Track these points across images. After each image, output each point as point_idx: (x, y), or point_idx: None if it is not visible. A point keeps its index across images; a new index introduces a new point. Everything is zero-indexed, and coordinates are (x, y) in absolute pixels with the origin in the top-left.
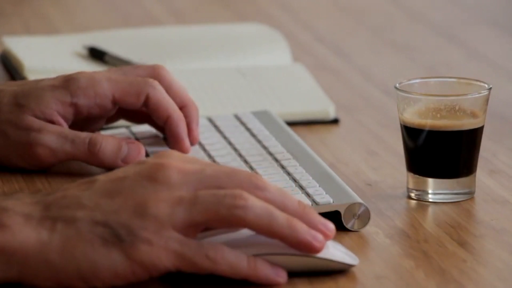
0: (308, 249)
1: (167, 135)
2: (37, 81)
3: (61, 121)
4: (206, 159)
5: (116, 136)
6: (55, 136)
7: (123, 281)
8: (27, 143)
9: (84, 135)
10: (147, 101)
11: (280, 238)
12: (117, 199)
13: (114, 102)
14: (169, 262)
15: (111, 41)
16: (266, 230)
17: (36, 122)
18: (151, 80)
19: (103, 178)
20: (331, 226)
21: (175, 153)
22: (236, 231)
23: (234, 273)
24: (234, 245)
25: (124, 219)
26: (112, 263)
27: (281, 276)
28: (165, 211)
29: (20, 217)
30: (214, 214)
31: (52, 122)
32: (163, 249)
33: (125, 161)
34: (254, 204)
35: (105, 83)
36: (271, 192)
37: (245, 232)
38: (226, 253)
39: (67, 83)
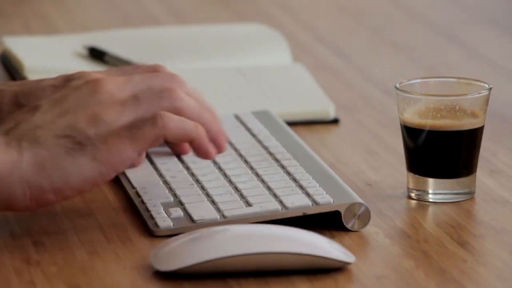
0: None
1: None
2: (37, 81)
3: None
4: None
5: None
6: None
7: (92, 184)
8: None
9: None
10: None
11: (203, 126)
12: (68, 115)
13: None
14: (128, 150)
15: (111, 41)
16: (196, 119)
17: None
18: None
19: (44, 102)
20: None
21: (94, 72)
22: (236, 226)
23: (182, 135)
24: (238, 240)
25: (81, 129)
26: (79, 168)
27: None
28: (114, 114)
29: None
30: (157, 109)
31: None
32: (118, 143)
33: None
34: (186, 96)
35: None
36: (189, 88)
37: (247, 229)
38: (172, 118)
39: (67, 84)
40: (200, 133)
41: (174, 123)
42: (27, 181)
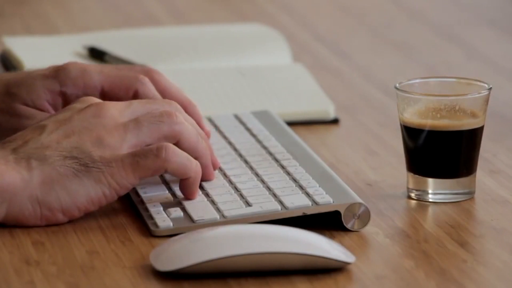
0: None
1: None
2: (30, 71)
3: (51, 109)
4: None
5: None
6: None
7: (96, 205)
8: (18, 129)
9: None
10: (135, 97)
11: (198, 155)
12: (73, 137)
13: (103, 94)
14: (130, 176)
15: (111, 41)
16: (193, 144)
17: (27, 110)
18: (141, 76)
19: (50, 122)
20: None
21: (95, 98)
22: (236, 226)
23: (181, 171)
24: (238, 240)
25: (86, 151)
26: (85, 190)
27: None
28: (118, 138)
29: (1, 160)
30: (158, 133)
31: (42, 110)
32: (121, 169)
33: None
34: (184, 121)
35: (95, 75)
36: (184, 114)
37: (247, 229)
38: (177, 153)
39: (57, 72)
40: (197, 174)
41: (177, 158)
42: (37, 199)
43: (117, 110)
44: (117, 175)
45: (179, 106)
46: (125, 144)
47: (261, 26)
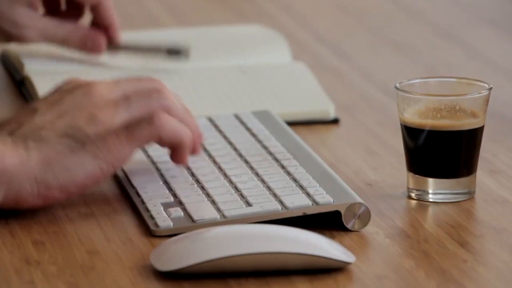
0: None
1: (99, 22)
2: None
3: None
4: (206, 159)
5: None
6: (35, 33)
7: (94, 181)
8: (14, 35)
9: (60, 34)
10: None
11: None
12: (66, 116)
13: None
14: (126, 148)
15: None
16: (181, 116)
17: (25, 17)
18: None
19: (41, 105)
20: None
21: (82, 79)
22: (236, 226)
23: (175, 137)
24: (238, 240)
25: (81, 128)
26: (82, 165)
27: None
28: (109, 114)
29: None
30: (147, 107)
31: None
32: (117, 141)
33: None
34: (172, 97)
35: None
36: (171, 91)
37: (247, 229)
38: (169, 119)
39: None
40: (189, 139)
41: (170, 124)
42: (35, 178)
43: (105, 89)
44: (113, 149)
45: (165, 84)
46: (117, 119)
47: (261, 27)
